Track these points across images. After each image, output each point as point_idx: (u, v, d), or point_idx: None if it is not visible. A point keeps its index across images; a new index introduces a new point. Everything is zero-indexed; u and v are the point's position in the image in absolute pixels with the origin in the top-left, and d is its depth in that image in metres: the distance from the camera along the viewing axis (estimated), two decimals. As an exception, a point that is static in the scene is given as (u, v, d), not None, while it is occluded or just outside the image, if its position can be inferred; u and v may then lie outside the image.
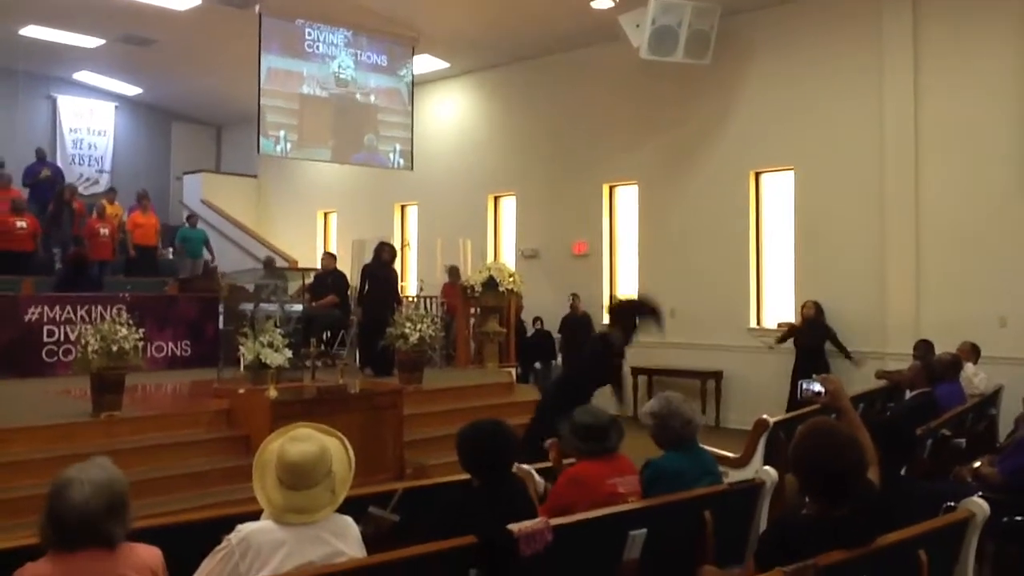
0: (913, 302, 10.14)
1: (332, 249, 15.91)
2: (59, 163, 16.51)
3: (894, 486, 3.62)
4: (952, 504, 3.86)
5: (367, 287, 10.59)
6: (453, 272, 12.75)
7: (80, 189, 16.08)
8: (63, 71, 16.69)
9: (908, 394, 6.92)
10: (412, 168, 13.52)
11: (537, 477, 4.07)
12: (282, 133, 11.86)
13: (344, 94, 12.29)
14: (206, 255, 15.07)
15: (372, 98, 12.51)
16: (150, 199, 14.86)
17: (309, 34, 12.01)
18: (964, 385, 7.68)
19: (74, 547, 2.45)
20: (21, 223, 12.68)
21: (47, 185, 14.54)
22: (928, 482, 5.41)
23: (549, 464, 4.37)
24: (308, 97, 12.03)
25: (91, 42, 14.41)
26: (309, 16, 12.10)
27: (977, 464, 5.37)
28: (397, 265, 11.66)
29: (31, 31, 13.78)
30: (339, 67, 12.14)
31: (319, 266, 12.05)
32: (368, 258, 11.06)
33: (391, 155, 12.78)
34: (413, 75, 13.41)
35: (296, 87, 11.90)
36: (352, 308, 11.59)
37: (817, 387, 3.71)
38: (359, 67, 12.35)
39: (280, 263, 15.43)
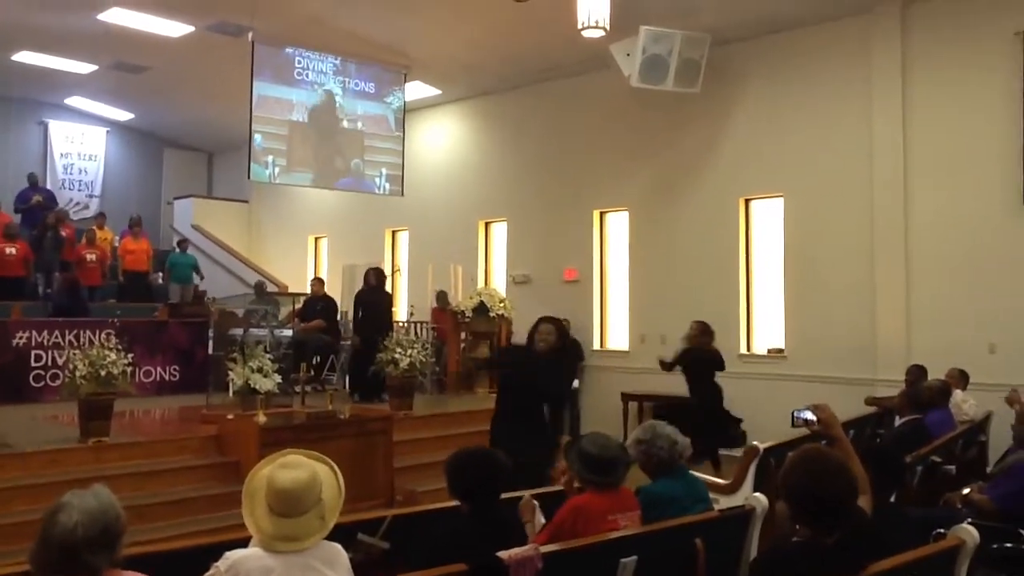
0: (903, 328, 10.17)
1: (323, 274, 15.92)
2: (49, 187, 16.51)
3: (884, 513, 3.61)
4: (942, 531, 3.86)
5: (360, 314, 10.59)
6: (441, 297, 12.75)
7: (70, 214, 16.05)
8: (55, 96, 16.72)
9: (898, 420, 6.94)
10: (403, 194, 13.55)
11: (539, 515, 3.97)
12: (271, 159, 11.93)
13: (332, 121, 12.39)
14: (196, 280, 15.05)
15: (359, 124, 12.62)
16: (142, 225, 14.86)
17: (299, 62, 12.11)
18: (954, 412, 7.70)
19: (56, 574, 2.43)
20: (11, 249, 12.67)
21: (39, 210, 14.54)
22: (918, 509, 5.41)
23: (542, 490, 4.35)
24: (297, 124, 12.13)
25: (83, 68, 14.44)
26: (301, 43, 12.16)
27: (967, 491, 5.37)
28: (388, 289, 11.68)
29: (24, 56, 13.81)
30: (327, 94, 12.28)
31: (309, 291, 12.06)
32: (359, 284, 11.08)
33: (377, 179, 12.87)
34: (404, 102, 13.48)
35: (286, 114, 11.99)
36: (342, 333, 11.58)
37: (809, 415, 3.71)
38: (347, 94, 12.49)
39: (271, 288, 15.43)
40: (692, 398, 9.29)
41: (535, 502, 3.99)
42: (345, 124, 12.46)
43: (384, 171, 12.88)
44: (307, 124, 12.11)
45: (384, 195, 13.30)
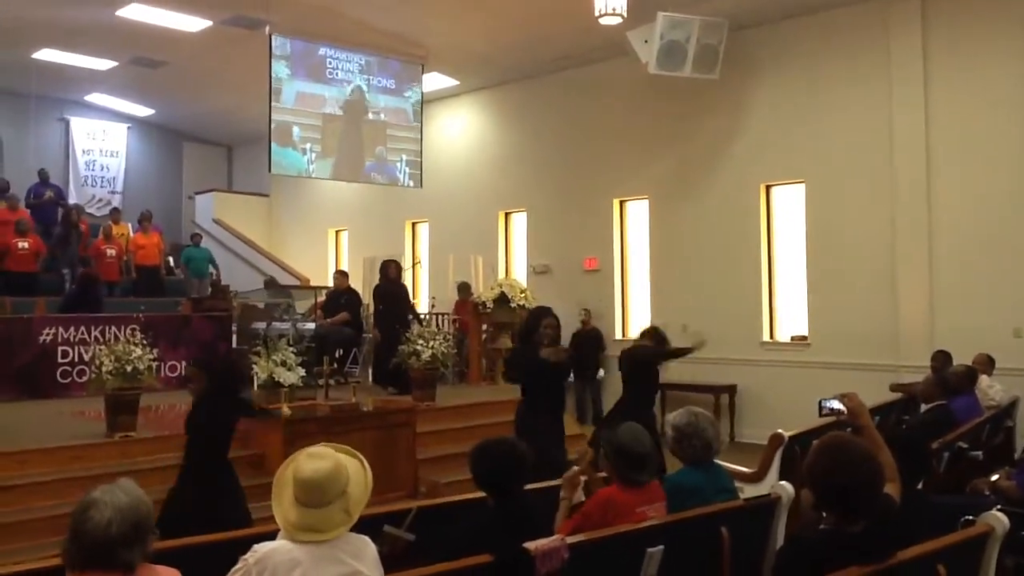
0: (927, 313, 10.10)
1: (344, 266, 15.97)
2: (71, 185, 16.66)
3: (910, 501, 3.59)
4: (971, 518, 3.83)
5: (381, 307, 10.61)
6: (464, 288, 12.77)
7: (93, 211, 16.17)
8: (76, 93, 16.84)
9: (923, 407, 6.89)
10: (421, 185, 13.57)
11: (580, 493, 3.98)
12: (308, 146, 12.30)
13: (360, 113, 12.78)
14: (212, 272, 15.10)
15: (382, 116, 13.05)
16: (151, 220, 14.84)
17: (330, 62, 12.50)
18: (980, 397, 7.64)
19: (92, 570, 2.45)
20: (23, 243, 12.80)
21: (51, 206, 14.65)
22: (945, 496, 5.37)
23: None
24: (329, 116, 12.49)
25: (103, 64, 14.54)
26: (319, 36, 12.24)
27: (995, 477, 5.33)
28: (408, 281, 11.70)
29: (44, 54, 13.92)
30: (357, 90, 12.70)
31: (331, 284, 12.09)
32: (378, 277, 11.10)
33: (398, 165, 13.16)
34: (422, 94, 13.51)
35: (320, 107, 12.33)
36: (365, 327, 11.62)
37: (837, 404, 3.69)
38: (372, 90, 12.89)
39: (291, 281, 15.49)
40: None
41: (582, 478, 4.00)
42: (370, 116, 12.92)
43: (404, 157, 13.25)
44: (339, 117, 12.60)
45: (405, 186, 13.43)
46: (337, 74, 12.51)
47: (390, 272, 10.73)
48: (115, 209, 15.86)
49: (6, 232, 12.90)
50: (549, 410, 6.34)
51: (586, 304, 12.88)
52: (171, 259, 15.77)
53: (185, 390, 6.53)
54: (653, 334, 7.36)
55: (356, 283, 12.58)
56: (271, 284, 13.24)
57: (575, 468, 4.06)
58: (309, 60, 12.23)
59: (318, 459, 2.93)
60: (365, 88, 12.75)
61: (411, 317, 10.72)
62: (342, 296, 11.43)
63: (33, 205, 14.54)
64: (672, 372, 11.53)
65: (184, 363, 10.91)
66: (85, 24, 12.44)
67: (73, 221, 14.02)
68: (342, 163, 12.69)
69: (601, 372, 12.36)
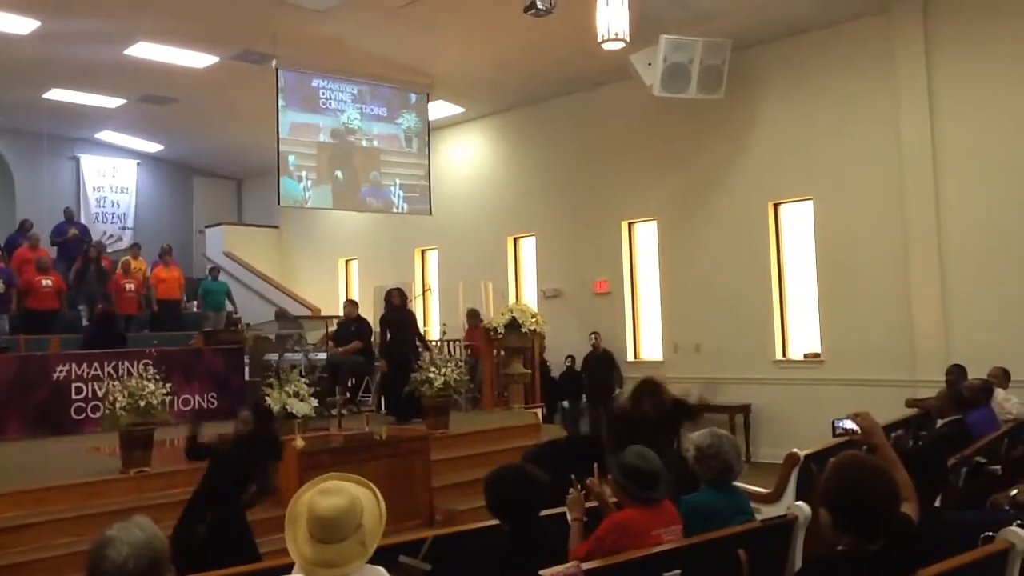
0: (941, 328, 10.04)
1: (355, 295, 16.00)
2: (83, 221, 16.76)
3: (928, 518, 3.56)
4: (991, 534, 3.79)
5: (388, 335, 10.63)
6: (473, 316, 12.79)
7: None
8: (86, 131, 17.01)
9: (939, 422, 6.83)
10: (431, 212, 13.61)
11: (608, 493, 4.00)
12: (303, 174, 12.41)
13: (353, 141, 12.91)
14: (229, 307, 15.20)
15: (375, 143, 13.19)
16: (172, 254, 15.06)
17: (323, 93, 12.63)
18: (996, 411, 7.57)
19: None
20: (46, 281, 12.89)
21: (75, 244, 14.78)
22: (964, 512, 5.31)
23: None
24: (324, 145, 12.59)
25: (112, 102, 14.69)
26: (325, 69, 12.37)
27: (1014, 492, 5.27)
28: (419, 309, 11.71)
29: (54, 94, 14.08)
30: (348, 118, 12.84)
31: (341, 313, 12.12)
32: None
33: (392, 188, 13.20)
34: (428, 121, 13.59)
35: (302, 136, 12.43)
36: (376, 355, 11.63)
37: (850, 424, 3.68)
38: (364, 118, 13.03)
39: (302, 312, 15.54)
40: None
41: (583, 502, 3.98)
42: (364, 144, 13.03)
43: (398, 182, 13.33)
44: (332, 145, 12.70)
45: (402, 212, 13.48)
46: (330, 104, 12.66)
47: (394, 300, 10.75)
48: (135, 244, 15.98)
49: (29, 270, 13.03)
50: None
51: (596, 327, 12.87)
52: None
53: (197, 422, 6.57)
54: (649, 392, 6.05)
55: (367, 312, 12.61)
56: (282, 315, 13.28)
57: (574, 493, 4.03)
58: (302, 91, 12.39)
59: (333, 495, 2.91)
60: (358, 116, 12.90)
61: (419, 344, 10.71)
62: (352, 324, 11.46)
63: (58, 243, 14.66)
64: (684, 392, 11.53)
65: (196, 396, 10.98)
66: (94, 63, 12.59)
67: (91, 257, 14.13)
68: (338, 190, 12.79)
69: (617, 391, 12.33)
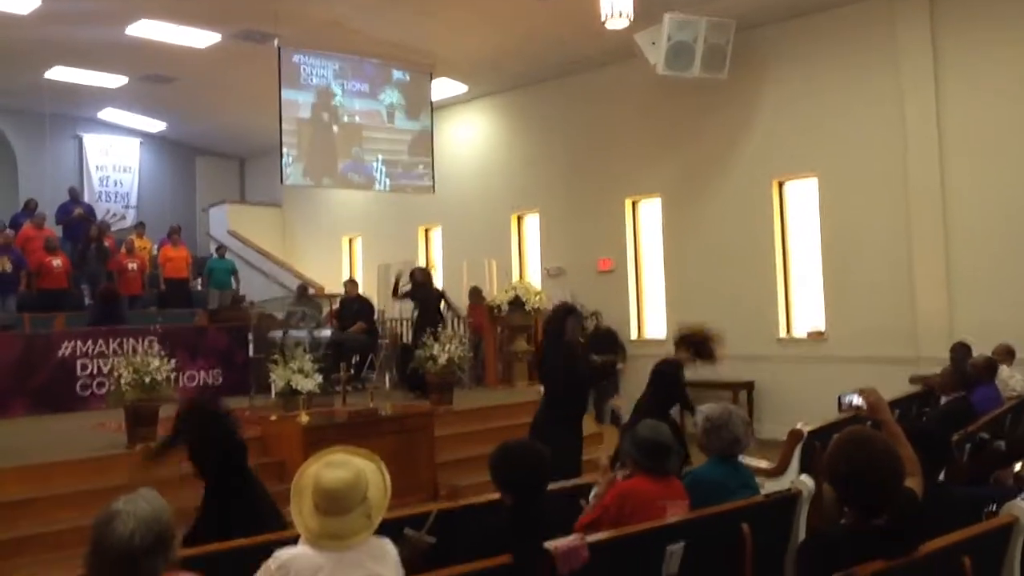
0: (945, 305, 10.03)
1: (358, 273, 16.02)
2: (86, 200, 16.74)
3: (932, 493, 3.57)
4: (994, 509, 3.80)
5: (417, 312, 10.73)
6: (475, 294, 12.78)
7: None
8: (88, 110, 16.97)
9: (943, 399, 6.84)
10: (434, 191, 13.59)
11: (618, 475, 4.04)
12: (286, 151, 12.22)
13: (333, 117, 12.75)
14: (233, 285, 15.21)
15: (357, 119, 12.99)
16: (180, 234, 15.10)
17: (304, 69, 12.40)
18: (1000, 387, 7.58)
19: None
20: (56, 261, 12.93)
21: (80, 223, 14.78)
22: (968, 488, 5.33)
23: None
24: (304, 121, 12.42)
25: (114, 81, 14.64)
26: (325, 47, 12.28)
27: (1019, 467, 5.28)
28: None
29: (56, 73, 14.03)
30: (329, 94, 12.68)
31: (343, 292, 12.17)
32: (391, 282, 11.22)
33: (374, 164, 13.07)
34: (431, 102, 13.52)
35: (295, 112, 12.30)
36: (380, 333, 11.70)
37: (856, 399, 3.68)
38: (346, 94, 12.82)
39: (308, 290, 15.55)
40: None
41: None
42: (345, 119, 12.86)
43: (381, 157, 13.14)
44: (312, 120, 12.54)
45: (382, 187, 13.42)
46: (312, 80, 12.49)
47: (417, 277, 10.84)
48: (140, 223, 15.98)
49: (36, 249, 13.04)
50: (569, 416, 6.34)
51: (598, 306, 12.81)
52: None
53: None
54: (689, 341, 7.03)
55: (370, 289, 12.63)
56: (303, 292, 13.23)
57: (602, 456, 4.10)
58: (284, 68, 12.15)
59: (338, 468, 2.93)
60: (339, 92, 12.74)
61: (442, 311, 10.81)
62: (354, 303, 11.51)
63: (63, 223, 14.67)
64: (689, 370, 11.52)
65: (201, 372, 11.03)
66: (95, 42, 12.54)
67: (93, 236, 14.13)
68: (315, 165, 12.68)
69: (619, 365, 12.31)
